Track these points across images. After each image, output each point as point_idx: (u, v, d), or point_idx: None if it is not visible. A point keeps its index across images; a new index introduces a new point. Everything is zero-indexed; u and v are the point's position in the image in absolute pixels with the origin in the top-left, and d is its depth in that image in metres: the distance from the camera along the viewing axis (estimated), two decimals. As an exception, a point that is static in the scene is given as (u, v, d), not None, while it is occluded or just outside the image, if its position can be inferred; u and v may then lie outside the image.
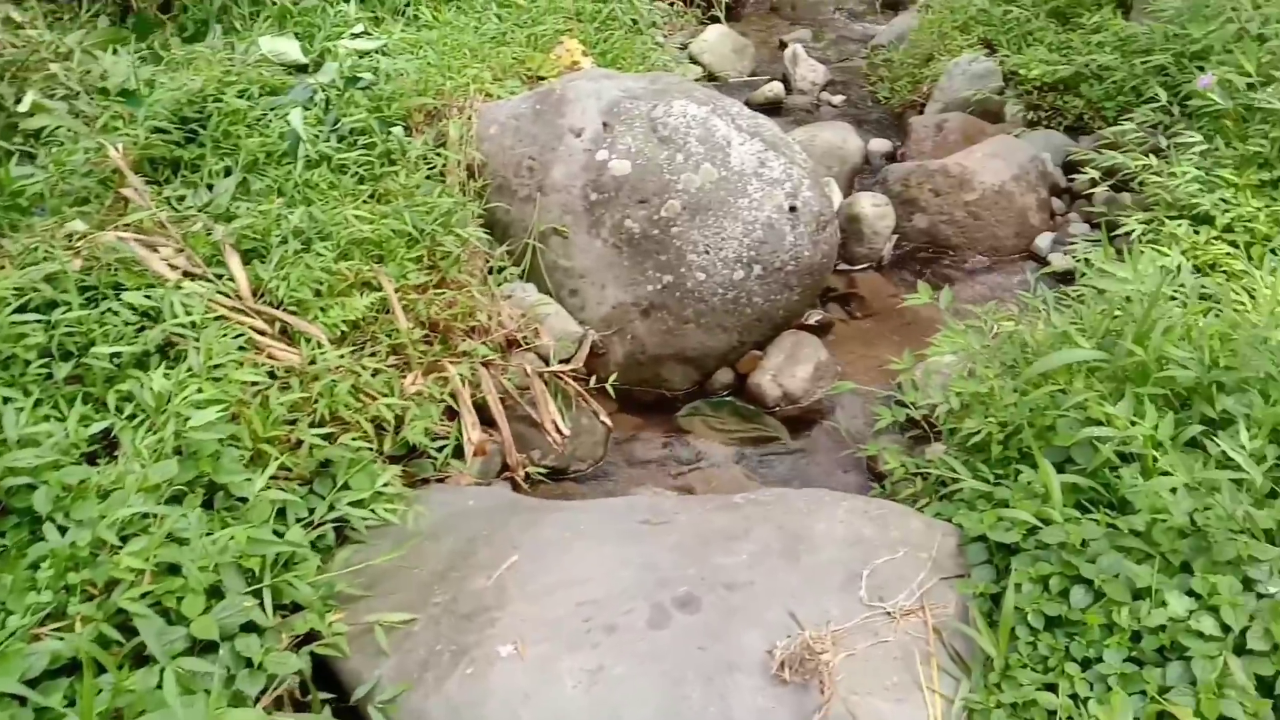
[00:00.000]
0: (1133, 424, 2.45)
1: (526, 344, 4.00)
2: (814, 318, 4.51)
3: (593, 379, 4.06)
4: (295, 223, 3.39)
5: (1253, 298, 3.17)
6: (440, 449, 3.37)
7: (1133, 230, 3.93)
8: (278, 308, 3.24)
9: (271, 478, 2.83)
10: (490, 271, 4.08)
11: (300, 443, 2.92)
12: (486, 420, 3.71)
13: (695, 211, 4.14)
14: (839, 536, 2.63)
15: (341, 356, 3.16)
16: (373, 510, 2.84)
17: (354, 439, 2.99)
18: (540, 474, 3.57)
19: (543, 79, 5.29)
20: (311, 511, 2.88)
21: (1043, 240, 4.89)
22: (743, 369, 4.23)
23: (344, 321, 3.24)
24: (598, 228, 4.22)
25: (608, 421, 4.02)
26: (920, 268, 4.95)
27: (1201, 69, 4.57)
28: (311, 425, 3.00)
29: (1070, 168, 5.23)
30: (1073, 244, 4.74)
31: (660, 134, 4.30)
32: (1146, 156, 4.33)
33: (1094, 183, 4.59)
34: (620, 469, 3.94)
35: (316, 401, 3.00)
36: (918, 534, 2.65)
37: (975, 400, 2.96)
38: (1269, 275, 3.21)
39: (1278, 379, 2.46)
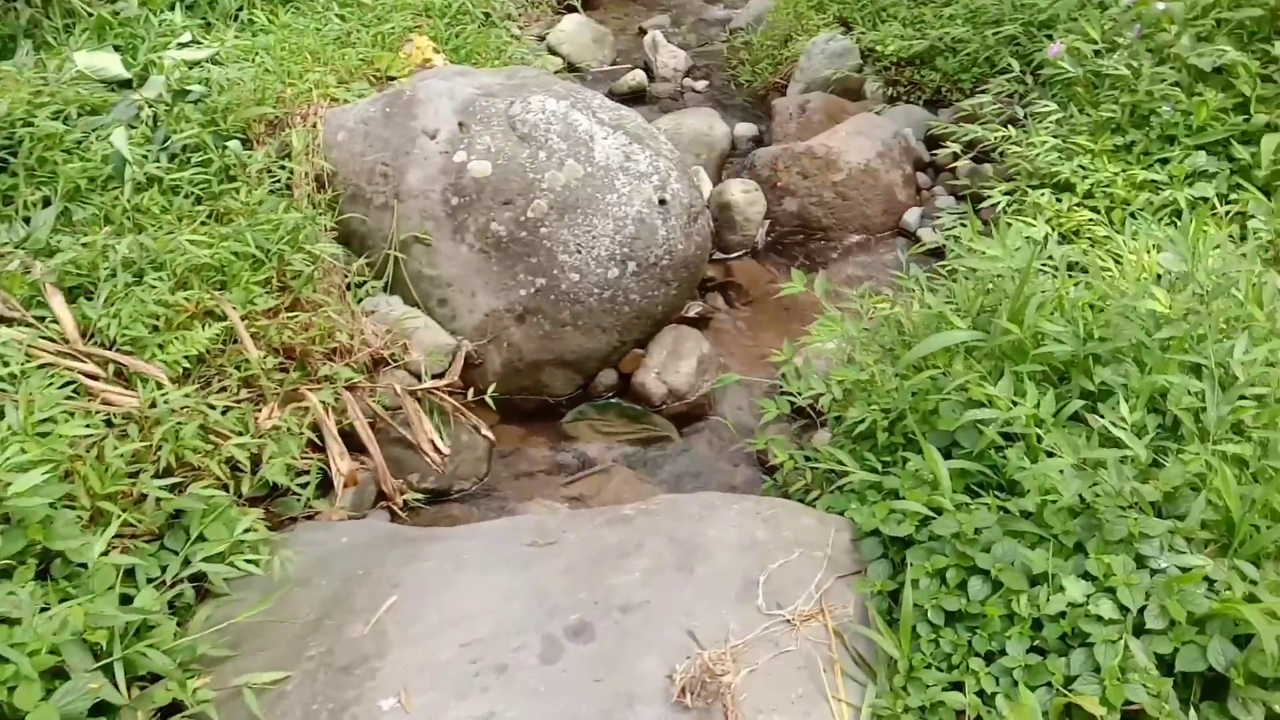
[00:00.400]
0: (1014, 404, 2.42)
1: (395, 361, 3.79)
2: (694, 310, 4.42)
3: (470, 392, 3.88)
4: (124, 253, 3.10)
5: (1119, 263, 3.20)
6: (305, 484, 3.14)
7: (997, 202, 3.96)
8: (110, 348, 2.96)
9: (116, 537, 2.58)
10: (349, 287, 3.85)
11: (145, 495, 2.66)
12: (357, 447, 3.50)
13: (563, 210, 3.99)
14: (732, 543, 2.53)
15: (186, 395, 2.90)
16: (232, 563, 2.59)
17: (206, 486, 2.73)
18: (419, 499, 3.36)
19: (393, 79, 5.05)
20: (164, 570, 2.63)
21: (911, 216, 4.92)
22: (626, 369, 4.11)
23: (186, 357, 2.97)
24: (462, 233, 4.03)
25: (489, 435, 3.85)
26: (795, 251, 4.91)
27: (1050, 38, 4.66)
28: (157, 475, 2.74)
29: (932, 142, 5.28)
30: (940, 218, 4.78)
31: (520, 132, 4.12)
32: (1005, 127, 4.38)
33: (956, 156, 4.63)
34: (506, 484, 3.77)
35: (160, 448, 2.73)
36: (811, 532, 2.58)
37: (857, 388, 2.90)
38: (1131, 239, 3.25)
39: (1150, 347, 2.47)
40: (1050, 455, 2.34)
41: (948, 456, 2.54)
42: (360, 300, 3.84)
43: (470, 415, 3.85)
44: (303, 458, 3.26)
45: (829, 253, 4.88)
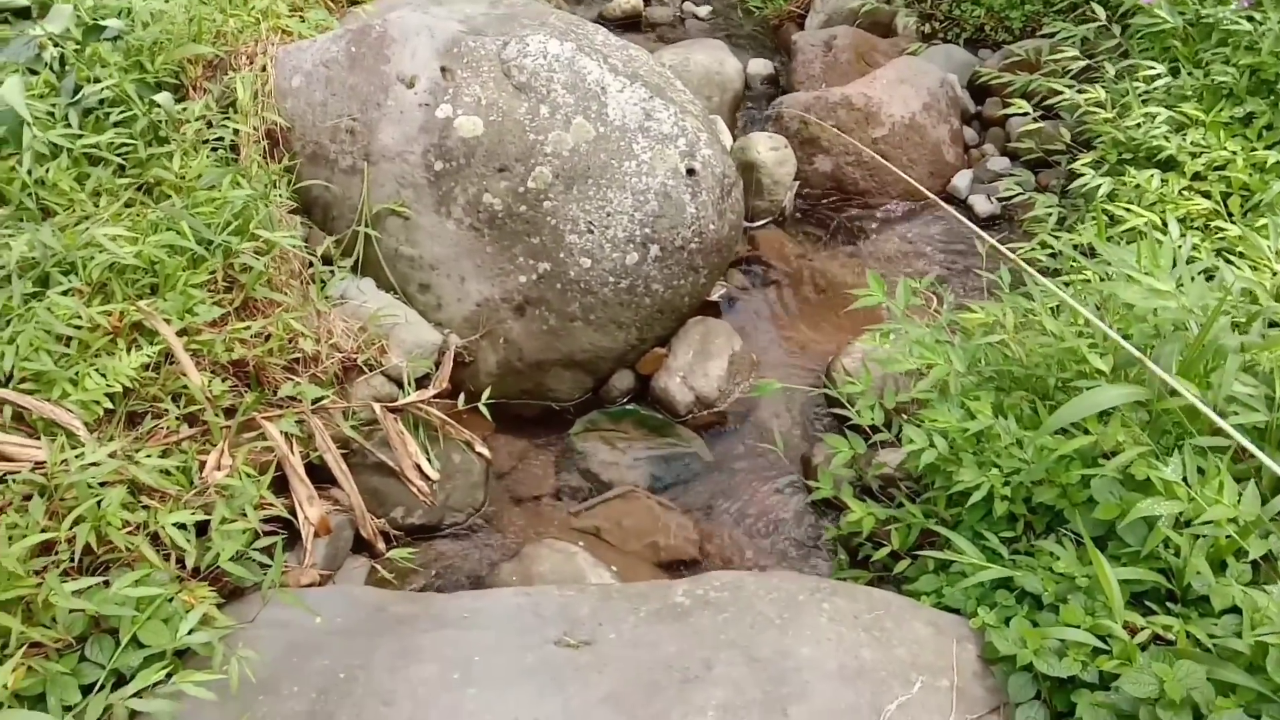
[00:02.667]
0: (1186, 490, 1.86)
1: (370, 367, 3.12)
2: (716, 293, 3.79)
3: (461, 398, 3.24)
4: (22, 252, 2.38)
5: (1257, 271, 2.63)
6: (270, 549, 2.50)
7: (1087, 181, 3.34)
8: (5, 385, 2.26)
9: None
10: (313, 277, 3.15)
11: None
12: (326, 477, 2.86)
13: (571, 181, 3.30)
14: (832, 667, 1.96)
15: (109, 446, 2.23)
16: (173, 689, 1.98)
17: (139, 577, 2.09)
18: (406, 554, 2.73)
19: (356, 3, 4.25)
20: (89, 690, 2.01)
21: (960, 180, 4.29)
22: (644, 370, 3.49)
23: (107, 393, 2.29)
24: (448, 205, 3.34)
25: (485, 452, 3.23)
26: (828, 219, 4.28)
27: (1130, -25, 3.99)
28: (72, 559, 2.09)
29: (978, 92, 4.62)
30: (995, 184, 4.16)
31: (516, 80, 3.40)
32: (1075, 82, 3.73)
33: (1024, 115, 3.97)
34: (506, 514, 3.17)
35: (75, 528, 2.08)
36: (929, 647, 2.02)
37: (963, 440, 2.32)
38: (1273, 244, 2.67)
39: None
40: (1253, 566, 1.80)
41: (1100, 548, 1.99)
42: (325, 290, 3.15)
43: (463, 430, 3.22)
44: (263, 505, 2.62)
45: (867, 222, 4.25)
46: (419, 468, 3.04)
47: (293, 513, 2.67)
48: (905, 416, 2.67)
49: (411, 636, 2.31)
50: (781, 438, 3.29)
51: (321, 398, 2.83)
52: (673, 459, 3.32)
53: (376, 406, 2.93)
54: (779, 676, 1.95)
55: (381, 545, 2.88)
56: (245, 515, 2.39)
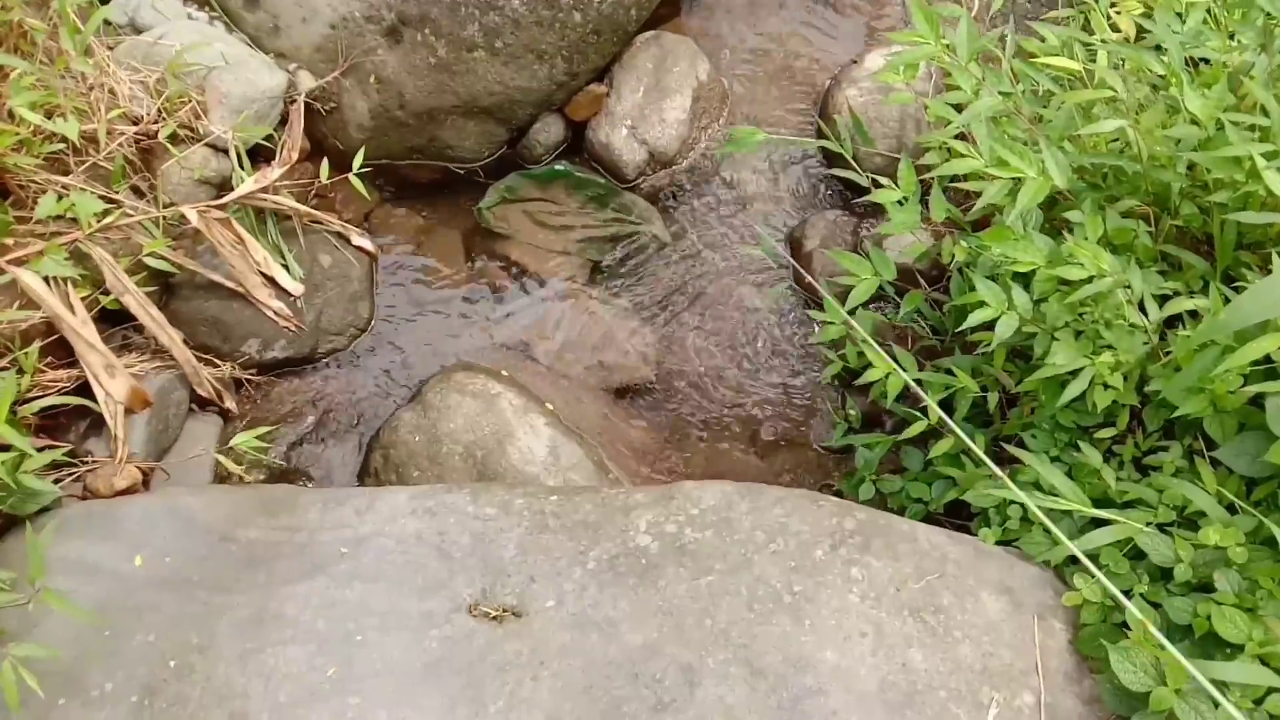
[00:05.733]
0: None
1: (184, 138, 2.17)
2: (672, -15, 2.75)
3: (323, 168, 2.33)
4: None
5: None
6: (53, 461, 1.74)
7: None
8: None
9: None
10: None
11: None
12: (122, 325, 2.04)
13: None
14: (870, 688, 1.35)
15: None
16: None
17: None
18: (252, 446, 1.99)
19: None
20: None
21: None
22: (577, 115, 2.55)
23: None
24: None
25: (366, 245, 2.38)
26: None
27: None
28: None
29: None
30: None
31: None
32: None
33: None
34: (401, 328, 2.39)
35: None
36: (1004, 639, 1.41)
37: (1061, 306, 1.57)
38: None
39: None
40: None
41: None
42: (94, 20, 2.08)
43: (330, 217, 2.35)
44: (42, 388, 1.82)
45: None
46: (272, 281, 2.20)
47: (87, 389, 1.88)
48: (952, 234, 1.86)
49: (269, 590, 1.64)
50: (764, 217, 2.48)
51: (107, 210, 1.91)
52: (619, 239, 2.51)
53: (190, 212, 2.02)
54: (793, 704, 1.34)
55: (230, 402, 2.12)
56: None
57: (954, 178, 1.80)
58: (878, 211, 2.45)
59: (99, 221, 1.91)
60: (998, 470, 1.31)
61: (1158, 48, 1.76)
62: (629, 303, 2.45)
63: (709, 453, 2.26)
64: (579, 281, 2.47)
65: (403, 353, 2.36)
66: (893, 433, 2.04)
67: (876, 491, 1.92)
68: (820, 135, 2.55)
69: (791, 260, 2.44)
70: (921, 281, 2.22)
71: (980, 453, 1.29)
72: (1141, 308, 1.55)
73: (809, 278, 2.35)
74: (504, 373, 2.31)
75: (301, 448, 2.21)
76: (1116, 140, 1.75)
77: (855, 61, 2.59)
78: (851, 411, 2.10)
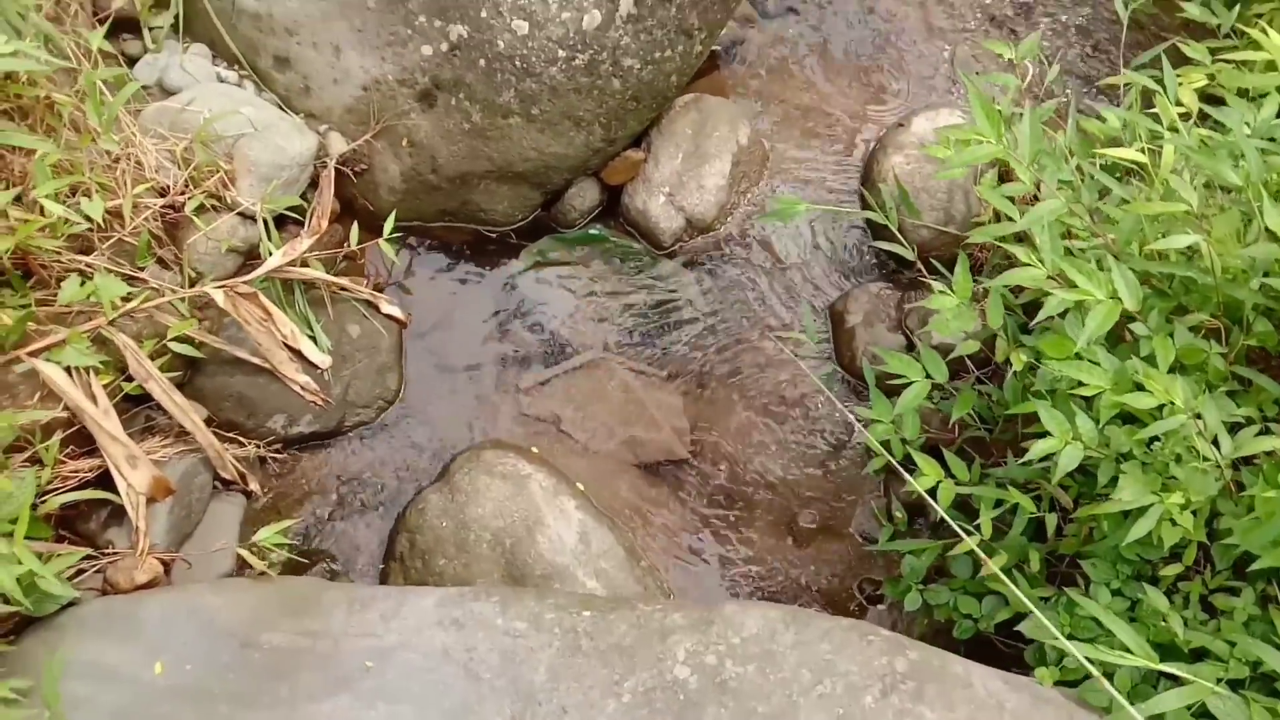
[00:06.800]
0: None
1: (212, 207, 2.11)
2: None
3: (354, 232, 2.28)
4: None
5: None
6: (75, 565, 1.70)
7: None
8: None
9: None
10: (103, 54, 2.02)
11: None
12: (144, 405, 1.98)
13: (492, -107, 2.08)
14: None
15: None
16: None
17: None
18: (277, 542, 1.93)
19: None
20: None
21: None
22: (613, 179, 2.48)
23: None
24: (303, -70, 2.13)
25: (396, 313, 2.33)
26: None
27: None
28: None
29: None
30: None
31: None
32: None
33: None
34: (430, 398, 2.33)
35: None
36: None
37: (1130, 442, 1.48)
38: None
39: None
40: None
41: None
42: (125, 90, 2.03)
43: (360, 286, 2.29)
44: (62, 479, 1.77)
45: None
46: (299, 354, 2.15)
47: (109, 484, 1.83)
48: (1013, 340, 1.78)
49: (293, 707, 1.59)
50: (804, 288, 2.41)
51: (130, 294, 1.86)
52: (654, 307, 2.44)
53: (216, 293, 1.97)
54: None
55: (254, 485, 2.07)
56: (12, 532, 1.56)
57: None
58: (922, 284, 2.37)
59: (123, 304, 1.86)
60: (1057, 633, 1.22)
61: (1230, 151, 1.67)
62: (663, 374, 2.38)
63: (744, 538, 2.19)
64: (612, 350, 2.40)
65: (431, 425, 2.30)
66: (939, 529, 1.96)
67: (923, 602, 1.84)
68: (864, 203, 2.46)
69: (831, 340, 2.36)
70: (970, 364, 2.14)
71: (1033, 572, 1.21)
72: (1214, 438, 1.46)
73: (857, 360, 2.27)
74: (534, 450, 2.24)
75: (325, 526, 2.16)
76: (1186, 249, 1.66)
77: (902, 125, 2.50)
78: (897, 514, 2.01)
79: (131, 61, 2.26)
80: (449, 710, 1.55)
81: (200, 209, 2.06)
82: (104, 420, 1.78)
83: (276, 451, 2.15)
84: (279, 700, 1.60)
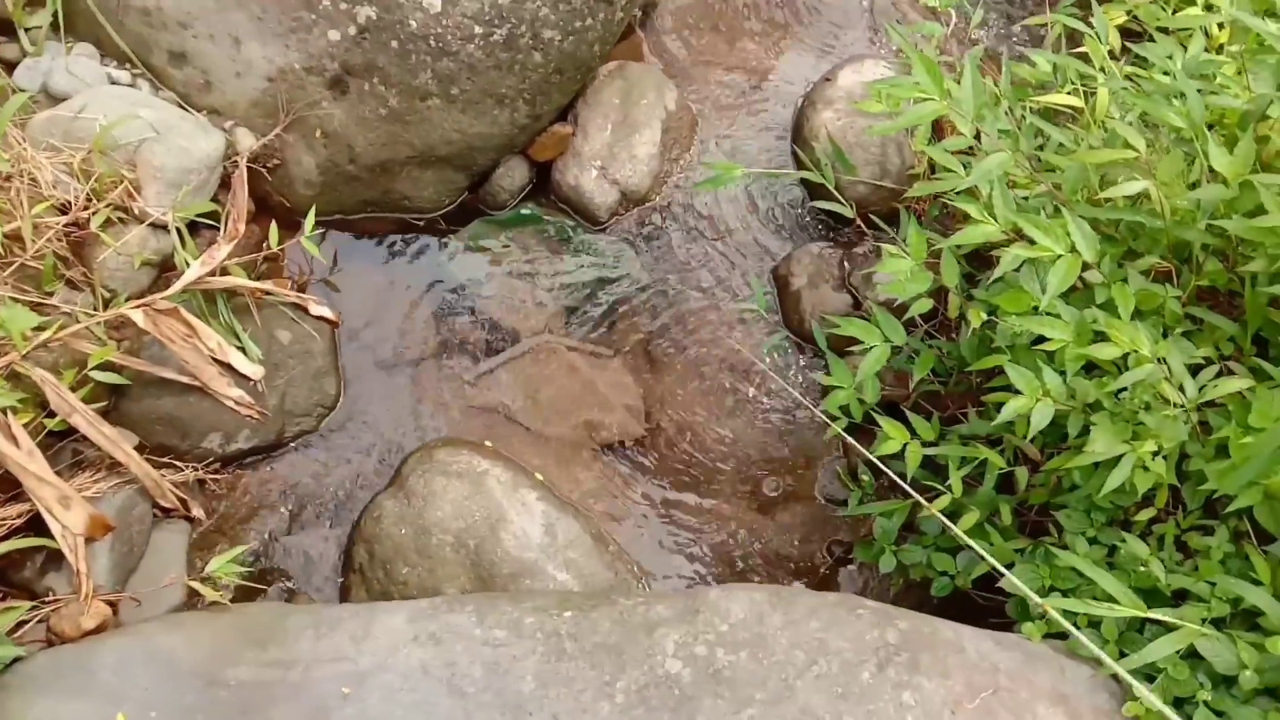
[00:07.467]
0: None
1: (117, 219, 1.97)
2: None
3: (272, 233, 2.16)
4: None
5: None
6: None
7: None
8: None
9: None
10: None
11: None
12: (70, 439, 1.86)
13: None
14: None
15: None
16: None
17: None
18: (228, 570, 1.82)
19: None
20: None
21: None
22: (541, 155, 2.39)
23: None
24: (186, -88, 1.98)
25: (326, 314, 2.22)
26: None
27: None
28: None
29: None
30: None
31: None
32: None
33: None
34: (372, 400, 2.24)
35: None
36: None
37: (1100, 394, 1.49)
38: None
39: None
40: None
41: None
42: (14, 97, 1.87)
43: (285, 288, 2.18)
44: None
45: None
46: (229, 367, 2.03)
47: (40, 521, 1.71)
48: (967, 297, 1.77)
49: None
50: (745, 254, 2.37)
51: (42, 325, 1.73)
52: (595, 284, 2.37)
53: (134, 314, 1.84)
54: None
55: (197, 510, 1.96)
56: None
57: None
58: (863, 239, 2.36)
59: (35, 335, 1.72)
60: (1038, 600, 1.23)
61: (1168, 88, 1.67)
62: (610, 353, 2.33)
63: (710, 512, 2.17)
64: (555, 333, 2.33)
65: (376, 428, 2.21)
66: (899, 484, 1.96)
67: (898, 562, 1.84)
68: (798, 162, 2.43)
69: (775, 298, 2.34)
70: (919, 320, 2.13)
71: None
72: (1180, 384, 1.48)
73: (805, 323, 2.25)
74: (487, 444, 2.18)
75: (277, 545, 2.07)
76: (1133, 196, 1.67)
77: (828, 80, 2.47)
78: (864, 477, 2.01)
79: (10, 67, 2.08)
80: (436, 731, 1.50)
81: (107, 224, 1.92)
82: (29, 462, 1.66)
83: (216, 472, 2.05)
84: (254, 745, 1.53)
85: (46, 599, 1.72)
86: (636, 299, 2.36)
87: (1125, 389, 1.47)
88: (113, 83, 2.12)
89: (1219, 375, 1.50)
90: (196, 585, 1.78)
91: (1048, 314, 1.54)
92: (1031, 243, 1.51)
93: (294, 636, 1.67)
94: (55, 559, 1.76)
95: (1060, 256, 1.48)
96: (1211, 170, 1.53)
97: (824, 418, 1.87)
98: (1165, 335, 1.54)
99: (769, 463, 2.21)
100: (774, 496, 2.18)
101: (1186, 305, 1.60)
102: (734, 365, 2.31)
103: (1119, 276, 1.57)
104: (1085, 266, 1.53)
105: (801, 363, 2.30)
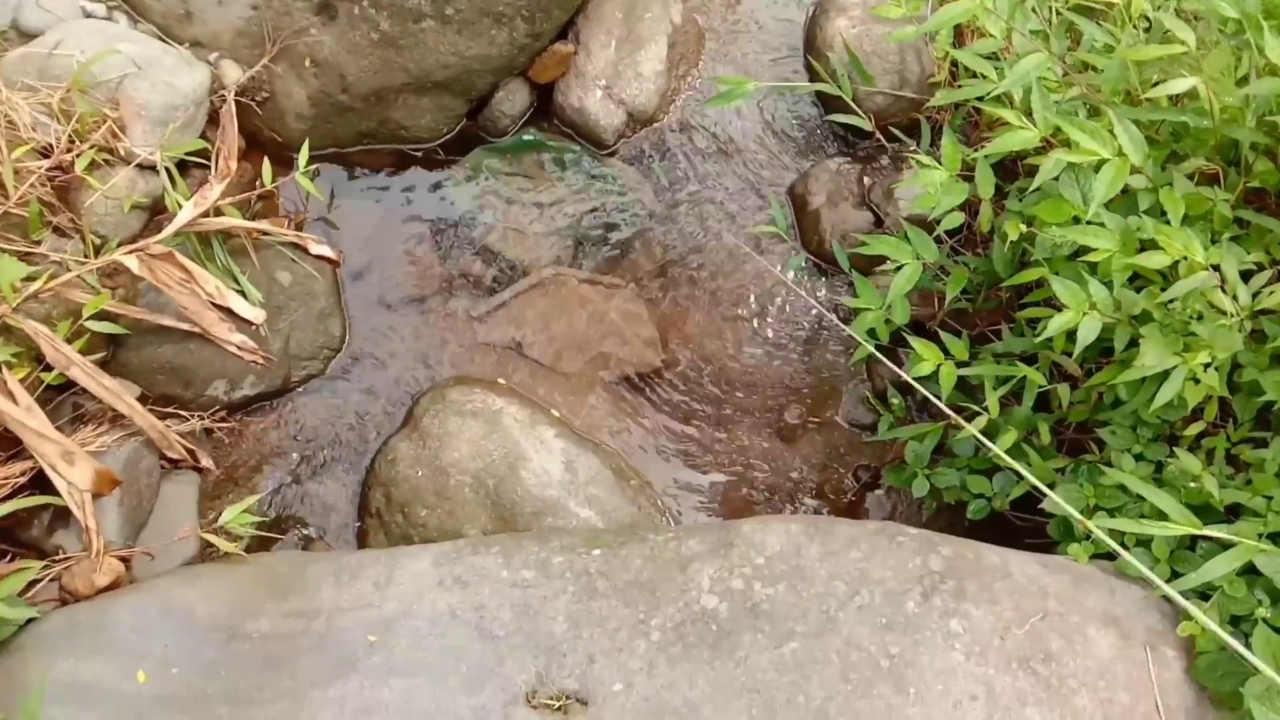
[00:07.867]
0: None
1: (103, 161, 1.88)
2: (624, -92, 2.44)
3: (265, 169, 2.07)
4: None
5: None
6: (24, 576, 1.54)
7: None
8: None
9: None
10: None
11: None
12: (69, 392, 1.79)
13: None
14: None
15: None
16: None
17: None
18: (242, 521, 1.75)
19: None
20: None
21: None
22: (542, 77, 2.28)
23: None
24: None
25: (327, 253, 2.13)
26: None
27: None
28: None
29: None
30: None
31: None
32: None
33: None
34: (379, 344, 2.16)
35: None
36: (1119, 680, 1.32)
37: (1152, 305, 1.42)
38: None
39: None
40: None
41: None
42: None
43: (282, 227, 2.09)
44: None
45: None
46: (229, 312, 1.96)
47: (44, 478, 1.65)
48: (1000, 210, 1.69)
49: (297, 699, 1.48)
50: (760, 172, 2.27)
51: (31, 274, 1.64)
52: (603, 212, 2.28)
53: (127, 259, 1.76)
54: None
55: (205, 460, 1.91)
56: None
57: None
58: (882, 153, 2.26)
59: (25, 286, 1.64)
60: (1083, 520, 1.17)
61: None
62: (622, 283, 2.25)
63: (732, 443, 2.11)
64: (565, 263, 2.25)
65: (385, 368, 2.14)
66: (934, 407, 1.90)
67: (931, 486, 1.79)
68: (812, 74, 2.32)
69: (793, 220, 2.25)
70: (943, 236, 2.05)
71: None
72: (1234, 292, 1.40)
73: (825, 243, 2.16)
74: (501, 381, 2.12)
75: (290, 492, 2.01)
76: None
77: (844, -20, 2.34)
78: (894, 400, 1.94)
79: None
80: (469, 676, 1.46)
81: (92, 166, 1.83)
82: (28, 418, 1.59)
83: (223, 420, 1.98)
84: (281, 693, 1.49)
85: (57, 557, 1.67)
86: (647, 225, 2.27)
87: (1175, 299, 1.39)
88: (87, 16, 2.00)
89: (1271, 281, 1.43)
90: (210, 537, 1.73)
91: (1090, 223, 1.46)
92: (1072, 148, 1.42)
93: (315, 585, 1.63)
94: (62, 516, 1.70)
95: (1106, 160, 1.39)
96: (1265, 63, 1.44)
97: (855, 338, 1.79)
98: (1214, 241, 1.47)
99: (790, 390, 2.15)
100: (796, 424, 2.12)
101: (1234, 208, 1.52)
102: (751, 290, 2.23)
103: (1165, 180, 1.48)
104: (1132, 170, 1.45)
105: (822, 284, 2.22)
